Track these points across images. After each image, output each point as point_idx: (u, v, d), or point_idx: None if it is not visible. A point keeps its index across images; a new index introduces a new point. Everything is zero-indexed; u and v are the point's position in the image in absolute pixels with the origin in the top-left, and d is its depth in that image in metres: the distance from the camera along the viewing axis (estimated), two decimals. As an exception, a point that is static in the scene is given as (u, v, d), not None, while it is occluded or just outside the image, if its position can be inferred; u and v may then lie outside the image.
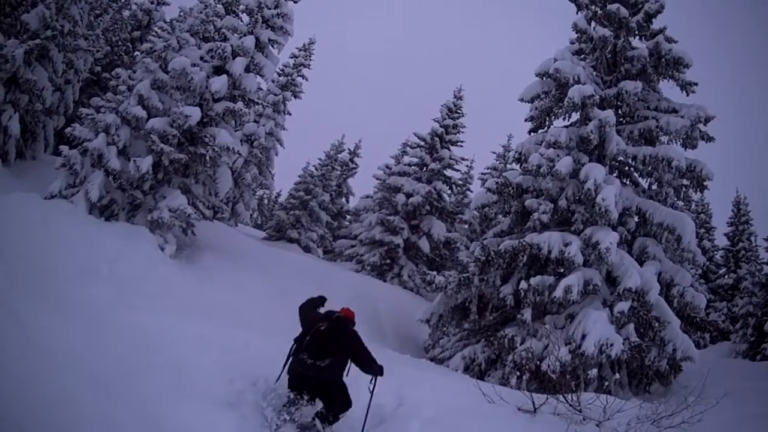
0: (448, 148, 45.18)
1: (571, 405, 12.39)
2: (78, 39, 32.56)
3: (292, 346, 11.78)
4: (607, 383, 19.73)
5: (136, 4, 46.31)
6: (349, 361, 11.45)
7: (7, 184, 24.32)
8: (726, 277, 52.50)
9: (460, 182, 48.95)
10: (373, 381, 11.55)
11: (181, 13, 40.06)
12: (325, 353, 11.02)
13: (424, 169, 44.80)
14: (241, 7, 28.04)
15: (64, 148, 23.44)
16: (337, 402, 11.20)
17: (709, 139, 25.29)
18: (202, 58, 25.93)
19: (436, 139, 44.76)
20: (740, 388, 18.17)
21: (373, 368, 11.48)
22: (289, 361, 11.51)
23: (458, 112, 45.82)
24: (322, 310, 12.56)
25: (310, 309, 12.35)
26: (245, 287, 23.36)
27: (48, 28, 28.83)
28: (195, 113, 24.12)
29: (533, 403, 12.64)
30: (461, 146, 46.27)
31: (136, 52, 41.07)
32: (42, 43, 28.74)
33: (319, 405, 11.17)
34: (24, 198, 20.67)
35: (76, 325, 11.43)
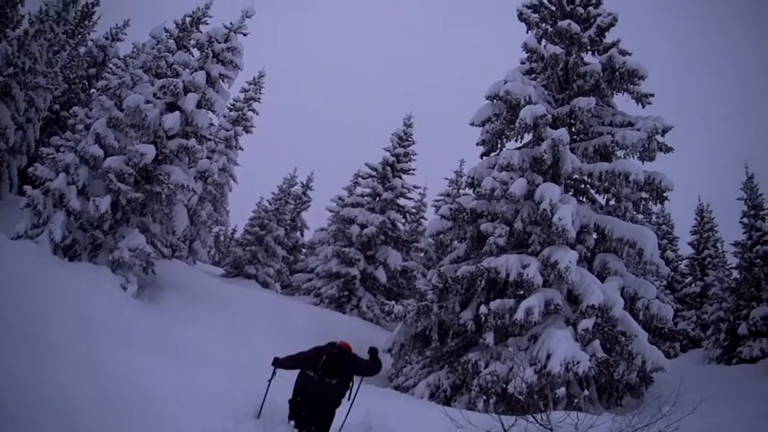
0: (400, 177, 45.55)
1: (541, 424, 12.33)
2: (38, 76, 32.53)
3: (273, 374, 12.81)
4: (576, 400, 19.73)
5: (91, 40, 46.35)
6: (352, 382, 12.48)
7: (-24, 225, 24.27)
8: (693, 285, 52.49)
9: (414, 210, 49.02)
10: (361, 378, 12.96)
11: (135, 49, 39.84)
12: (336, 373, 11.92)
13: (377, 199, 45.05)
14: (192, 42, 28.31)
15: (27, 188, 23.56)
16: (324, 428, 12.09)
17: (668, 149, 25.40)
18: (155, 95, 25.94)
19: (388, 168, 45.13)
20: (718, 392, 18.33)
21: (373, 370, 12.78)
22: (298, 378, 12.26)
23: (409, 140, 46.32)
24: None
25: (292, 357, 12.75)
26: (205, 325, 23.42)
27: (10, 65, 28.81)
28: (150, 151, 24.21)
29: (503, 425, 12.59)
30: (413, 174, 46.70)
31: (93, 90, 41.18)
32: (5, 81, 28.76)
33: None
34: (-9, 240, 20.67)
35: (44, 365, 11.39)
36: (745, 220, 39.12)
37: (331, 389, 12.03)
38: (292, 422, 12.15)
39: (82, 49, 45.73)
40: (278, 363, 12.90)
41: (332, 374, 11.94)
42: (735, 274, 42.79)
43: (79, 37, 46.05)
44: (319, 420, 12.12)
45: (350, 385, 12.45)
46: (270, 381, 12.91)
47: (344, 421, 12.79)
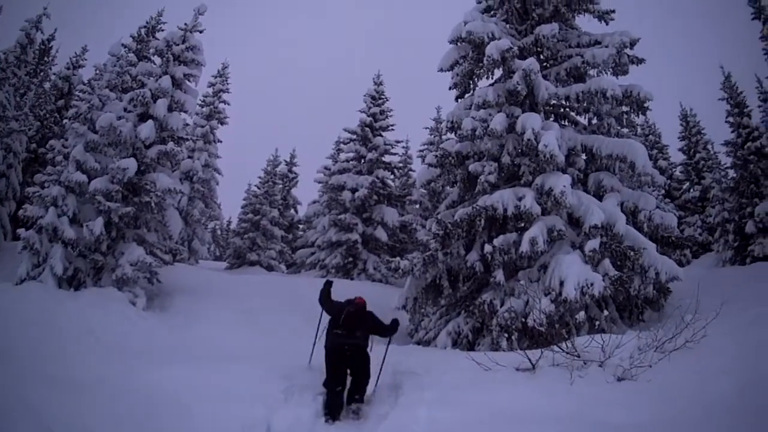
0: (381, 135, 46.07)
1: (568, 352, 12.47)
2: (10, 122, 32.64)
3: (319, 330, 15.07)
4: (598, 322, 19.68)
5: (54, 74, 46.41)
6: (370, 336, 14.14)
7: (-24, 279, 24.29)
8: (691, 190, 52.57)
9: (401, 165, 49.71)
10: (389, 339, 14.83)
11: (97, 71, 39.86)
12: (356, 328, 13.60)
13: (362, 161, 45.40)
14: (151, 50, 28.23)
15: (21, 231, 23.53)
16: (364, 374, 13.51)
17: (639, 61, 25.31)
18: (125, 109, 25.97)
19: (367, 129, 45.67)
20: (735, 294, 18.24)
21: (391, 330, 14.39)
22: (326, 338, 13.84)
23: (382, 98, 46.89)
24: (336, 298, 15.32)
25: (328, 298, 15.18)
26: (218, 320, 23.42)
27: (-20, 120, 28.88)
28: (131, 164, 24.26)
29: (530, 360, 12.75)
30: (393, 130, 47.12)
31: (64, 120, 41.18)
32: (-23, 136, 28.79)
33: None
34: (-4, 290, 20.72)
35: (65, 401, 11.40)
36: (731, 119, 39.33)
37: (359, 339, 13.54)
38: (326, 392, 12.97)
39: (47, 85, 45.79)
40: (323, 301, 15.16)
41: (354, 327, 13.56)
42: (731, 173, 42.89)
43: (42, 74, 46.01)
44: (358, 365, 13.48)
45: (369, 337, 14.03)
46: (319, 323, 15.37)
47: (377, 382, 14.02)
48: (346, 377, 13.37)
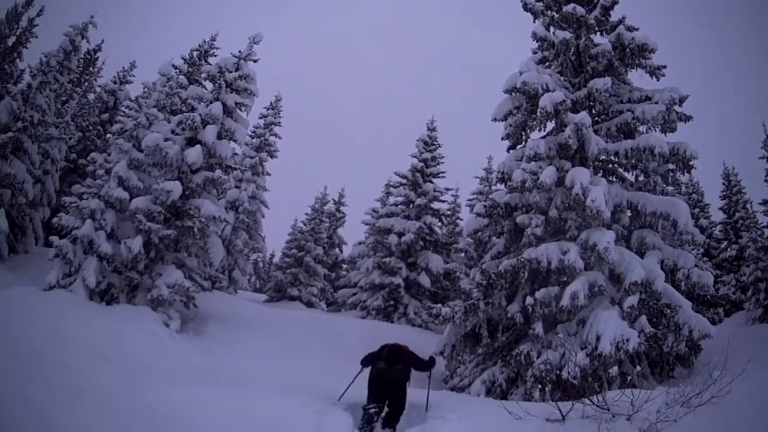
0: (431, 181, 45.62)
1: (598, 406, 12.40)
2: (49, 128, 32.70)
3: (360, 370, 16.53)
4: (630, 377, 19.62)
5: (99, 86, 46.52)
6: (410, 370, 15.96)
7: (5, 280, 24.49)
8: (729, 249, 51.83)
9: (449, 212, 49.33)
10: (429, 374, 17.35)
11: (145, 90, 39.67)
12: (398, 361, 15.57)
13: (411, 206, 44.88)
14: (203, 74, 28.27)
15: (54, 239, 23.49)
16: (399, 405, 15.23)
17: (687, 118, 25.18)
18: (173, 132, 25.92)
19: (418, 174, 45.19)
20: (763, 352, 18.19)
21: (427, 366, 16.56)
22: (370, 371, 15.81)
23: (434, 144, 46.51)
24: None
25: (366, 358, 16.43)
26: (253, 351, 23.35)
27: (18, 120, 29.05)
28: (176, 188, 24.18)
29: (560, 411, 12.69)
30: (443, 177, 46.63)
31: (108, 135, 41.35)
32: (15, 136, 29.02)
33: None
34: (24, 292, 20.75)
35: (94, 411, 11.41)
36: (769, 177, 39.00)
37: (399, 372, 15.46)
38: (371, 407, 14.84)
39: (91, 96, 46.04)
40: (363, 362, 16.42)
41: (396, 361, 15.50)
42: (767, 232, 42.63)
43: (86, 84, 46.22)
44: (395, 396, 15.24)
45: (410, 370, 15.88)
46: (357, 375, 16.66)
47: (427, 404, 16.25)
48: (382, 402, 15.07)
